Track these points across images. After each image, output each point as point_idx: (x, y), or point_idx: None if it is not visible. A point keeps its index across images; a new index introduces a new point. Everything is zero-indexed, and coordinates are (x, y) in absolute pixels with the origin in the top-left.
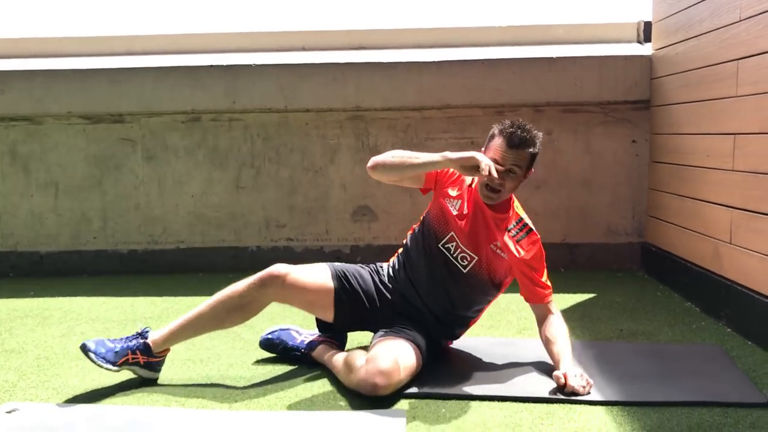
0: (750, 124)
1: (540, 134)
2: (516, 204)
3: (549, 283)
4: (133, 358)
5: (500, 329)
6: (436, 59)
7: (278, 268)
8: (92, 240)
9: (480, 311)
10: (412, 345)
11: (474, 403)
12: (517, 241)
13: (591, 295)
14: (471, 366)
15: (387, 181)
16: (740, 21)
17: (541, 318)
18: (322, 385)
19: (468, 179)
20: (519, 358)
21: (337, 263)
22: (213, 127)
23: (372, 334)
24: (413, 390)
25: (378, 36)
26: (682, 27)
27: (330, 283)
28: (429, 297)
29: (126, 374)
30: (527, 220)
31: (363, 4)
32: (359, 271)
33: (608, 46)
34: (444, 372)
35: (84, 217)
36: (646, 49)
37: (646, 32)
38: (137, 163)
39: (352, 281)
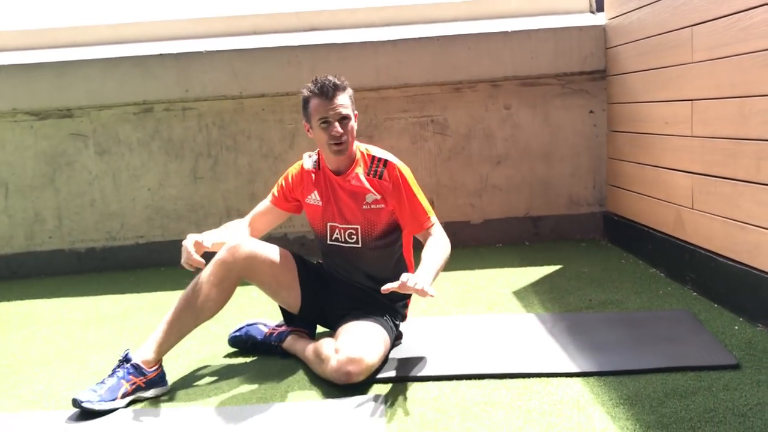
0: (706, 90)
1: (341, 76)
2: (364, 147)
3: (428, 208)
4: (132, 386)
5: (470, 306)
6: (392, 38)
7: (236, 239)
8: (48, 240)
9: (401, 260)
10: (377, 325)
11: (451, 383)
12: (379, 177)
13: (557, 267)
14: (444, 346)
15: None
16: None
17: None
18: (296, 376)
19: (313, 173)
20: (491, 335)
21: None
22: (166, 118)
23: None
24: (389, 374)
25: (330, 16)
26: None
27: (292, 260)
28: (358, 278)
29: (89, 379)
30: (381, 155)
31: None
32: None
33: (562, 18)
34: (418, 354)
35: (38, 217)
36: (599, 19)
37: (598, 2)
38: (90, 158)
39: (308, 263)
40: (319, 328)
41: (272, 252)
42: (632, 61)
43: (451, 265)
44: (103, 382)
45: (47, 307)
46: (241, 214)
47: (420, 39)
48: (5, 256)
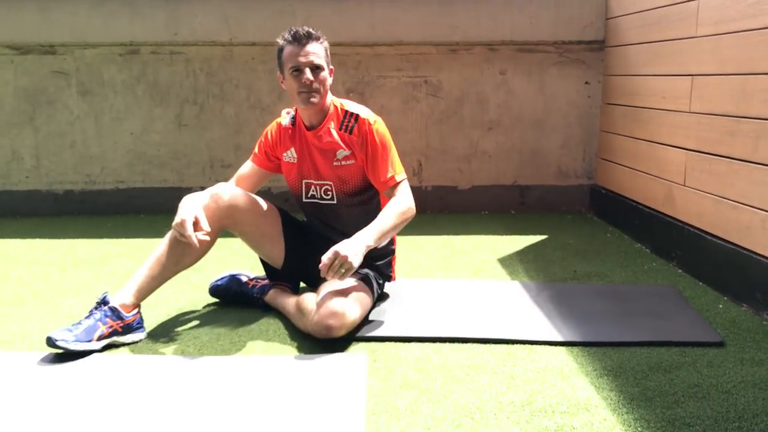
0: (708, 65)
1: (318, 30)
2: (339, 102)
3: (396, 166)
4: (108, 329)
5: (455, 271)
6: None
7: (219, 187)
8: (24, 179)
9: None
10: (360, 282)
11: (434, 345)
12: (349, 132)
13: (543, 237)
14: (428, 308)
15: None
16: None
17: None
18: (277, 329)
19: (289, 128)
20: (476, 300)
21: None
22: (153, 61)
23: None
24: (372, 333)
25: None
26: None
27: (277, 213)
28: (336, 237)
29: (64, 322)
30: (354, 109)
31: None
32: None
33: None
34: (402, 314)
35: (15, 155)
36: None
37: None
38: (72, 97)
39: (292, 218)
40: (302, 285)
41: (256, 203)
42: (633, 32)
43: (436, 229)
44: (79, 323)
45: (22, 247)
46: (225, 165)
47: None
48: None
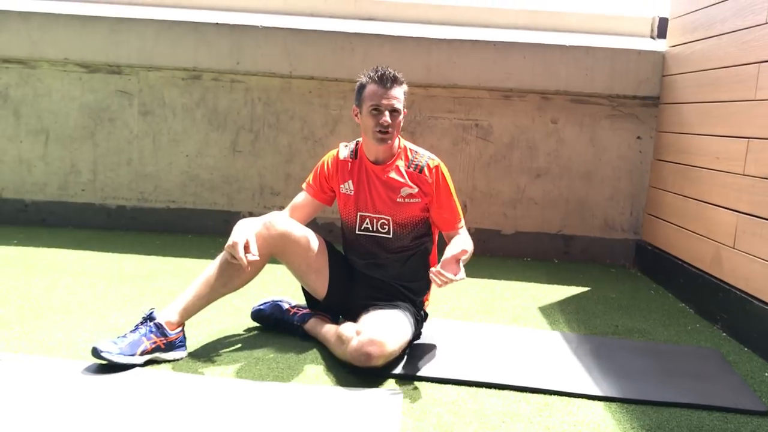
0: (766, 129)
1: (400, 72)
2: (405, 143)
3: (460, 211)
4: (152, 345)
5: (495, 315)
6: (447, 37)
7: (273, 215)
8: (80, 192)
9: (428, 258)
10: (400, 313)
11: (470, 389)
12: (418, 172)
13: (585, 289)
14: (466, 351)
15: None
16: (766, 23)
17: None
18: (315, 359)
19: (350, 162)
20: (515, 347)
21: None
22: (214, 87)
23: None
24: (408, 371)
25: (387, 8)
26: (701, 25)
27: (325, 246)
28: (379, 273)
29: (108, 334)
30: (423, 152)
31: None
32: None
33: (621, 39)
34: (439, 355)
35: (73, 168)
36: (659, 45)
37: (660, 28)
38: (132, 116)
39: (338, 252)
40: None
41: (306, 235)
42: (689, 91)
43: (478, 272)
44: (124, 336)
45: (72, 258)
46: (274, 192)
47: (476, 42)
48: (37, 203)
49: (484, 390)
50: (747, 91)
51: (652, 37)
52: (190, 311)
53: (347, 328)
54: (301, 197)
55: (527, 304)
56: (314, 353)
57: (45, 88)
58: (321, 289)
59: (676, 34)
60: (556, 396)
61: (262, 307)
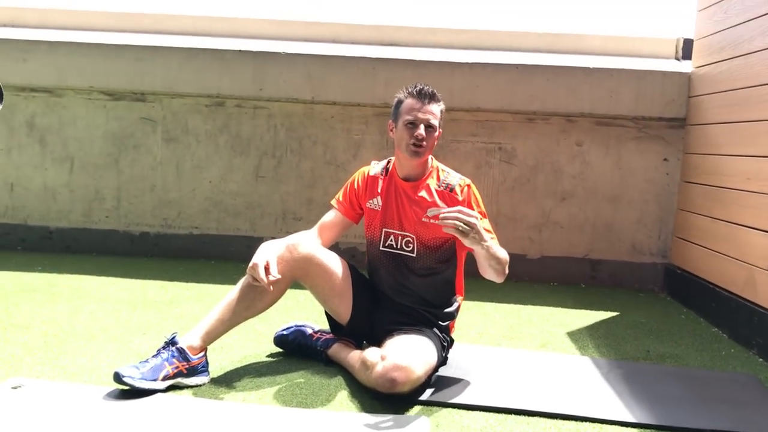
0: None
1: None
2: (437, 164)
3: (489, 226)
4: (174, 370)
5: (522, 341)
6: (469, 60)
7: (296, 238)
8: (104, 219)
9: (453, 283)
10: (426, 339)
11: (499, 416)
12: (449, 191)
13: (614, 314)
14: (494, 377)
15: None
16: None
17: None
18: (339, 384)
19: (380, 178)
20: (544, 372)
21: None
22: (237, 114)
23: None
24: (434, 397)
25: (409, 33)
26: (728, 45)
27: (348, 270)
28: (402, 296)
29: (131, 360)
30: (453, 173)
31: (395, 1)
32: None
33: (645, 61)
34: (466, 381)
35: (98, 195)
36: (685, 67)
37: (685, 49)
38: (156, 143)
39: (362, 276)
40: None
41: (330, 258)
42: (716, 112)
43: (503, 297)
44: (146, 361)
45: (96, 284)
46: (297, 218)
47: (498, 65)
48: (62, 230)
49: (513, 417)
50: None
51: (676, 59)
52: (212, 336)
53: (372, 354)
54: (331, 215)
55: (555, 330)
56: (338, 379)
57: (70, 116)
58: (344, 314)
59: (702, 55)
60: (587, 422)
61: (284, 333)
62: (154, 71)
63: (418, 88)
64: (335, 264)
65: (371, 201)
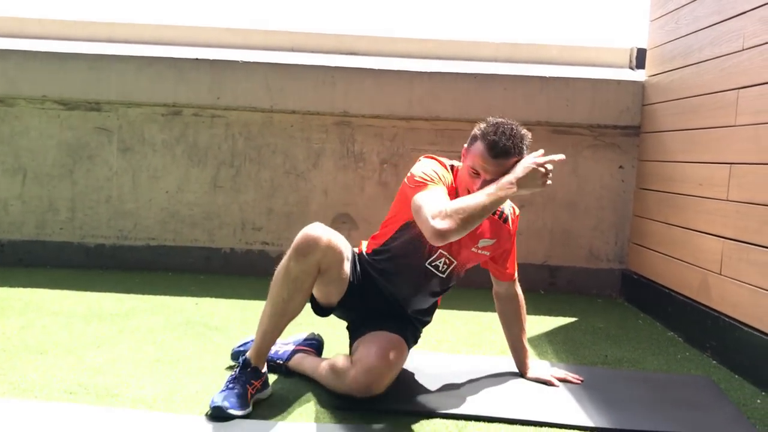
0: (748, 154)
1: (527, 134)
2: None
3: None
4: (252, 391)
5: (482, 348)
6: (428, 70)
7: (315, 231)
8: (58, 231)
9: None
10: (396, 336)
11: (459, 423)
12: (504, 221)
13: (572, 320)
14: (454, 384)
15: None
16: (743, 50)
17: (507, 296)
18: (303, 395)
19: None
20: (504, 378)
21: None
22: (194, 123)
23: (349, 328)
24: (396, 406)
25: (369, 42)
26: (679, 54)
27: (353, 254)
28: (409, 304)
29: (85, 374)
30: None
31: (354, 10)
32: None
33: (601, 70)
34: (426, 388)
35: (51, 207)
36: (639, 75)
37: (638, 59)
38: (112, 154)
39: (361, 263)
40: (326, 349)
41: (346, 245)
42: (669, 119)
43: (464, 304)
44: (230, 390)
45: (49, 297)
46: (256, 227)
47: (457, 74)
48: (14, 242)
49: (473, 423)
50: (727, 117)
51: (630, 68)
52: (266, 349)
53: (340, 360)
54: (442, 191)
55: None
56: (300, 389)
57: (22, 126)
58: (335, 296)
59: (655, 64)
60: (546, 427)
61: (242, 348)
62: (109, 80)
63: (491, 139)
64: (348, 252)
65: None
